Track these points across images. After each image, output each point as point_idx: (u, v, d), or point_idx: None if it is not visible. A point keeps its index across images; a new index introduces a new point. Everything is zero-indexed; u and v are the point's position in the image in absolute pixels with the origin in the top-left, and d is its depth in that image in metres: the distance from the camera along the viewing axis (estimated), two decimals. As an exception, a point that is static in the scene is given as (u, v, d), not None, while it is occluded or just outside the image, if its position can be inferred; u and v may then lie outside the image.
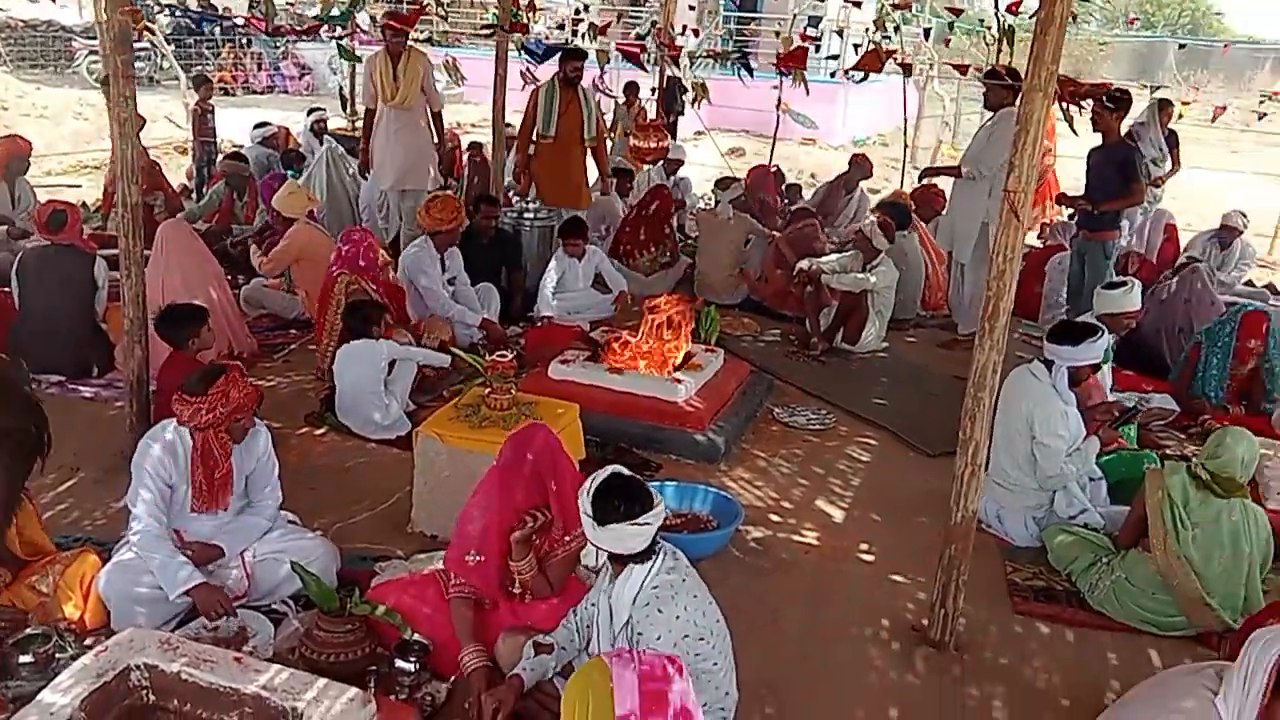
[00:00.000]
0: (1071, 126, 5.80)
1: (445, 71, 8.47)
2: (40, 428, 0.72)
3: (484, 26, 7.58)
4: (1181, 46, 20.19)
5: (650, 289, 7.37)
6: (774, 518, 4.39)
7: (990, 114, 6.60)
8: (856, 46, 9.84)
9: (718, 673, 2.81)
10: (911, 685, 3.34)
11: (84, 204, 8.68)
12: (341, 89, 11.75)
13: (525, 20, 7.70)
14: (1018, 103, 6.12)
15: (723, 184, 7.85)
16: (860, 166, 9.18)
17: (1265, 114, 10.04)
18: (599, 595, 2.86)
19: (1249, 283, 8.53)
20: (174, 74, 13.30)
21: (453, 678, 3.06)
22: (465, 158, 9.17)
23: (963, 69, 8.32)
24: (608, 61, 9.59)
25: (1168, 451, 5.18)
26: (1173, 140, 8.33)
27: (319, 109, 9.92)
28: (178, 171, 10.34)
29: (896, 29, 9.23)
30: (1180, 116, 9.12)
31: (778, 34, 9.89)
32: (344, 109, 11.39)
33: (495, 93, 7.10)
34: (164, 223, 5.71)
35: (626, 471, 2.78)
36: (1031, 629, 3.72)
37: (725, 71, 9.73)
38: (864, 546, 4.21)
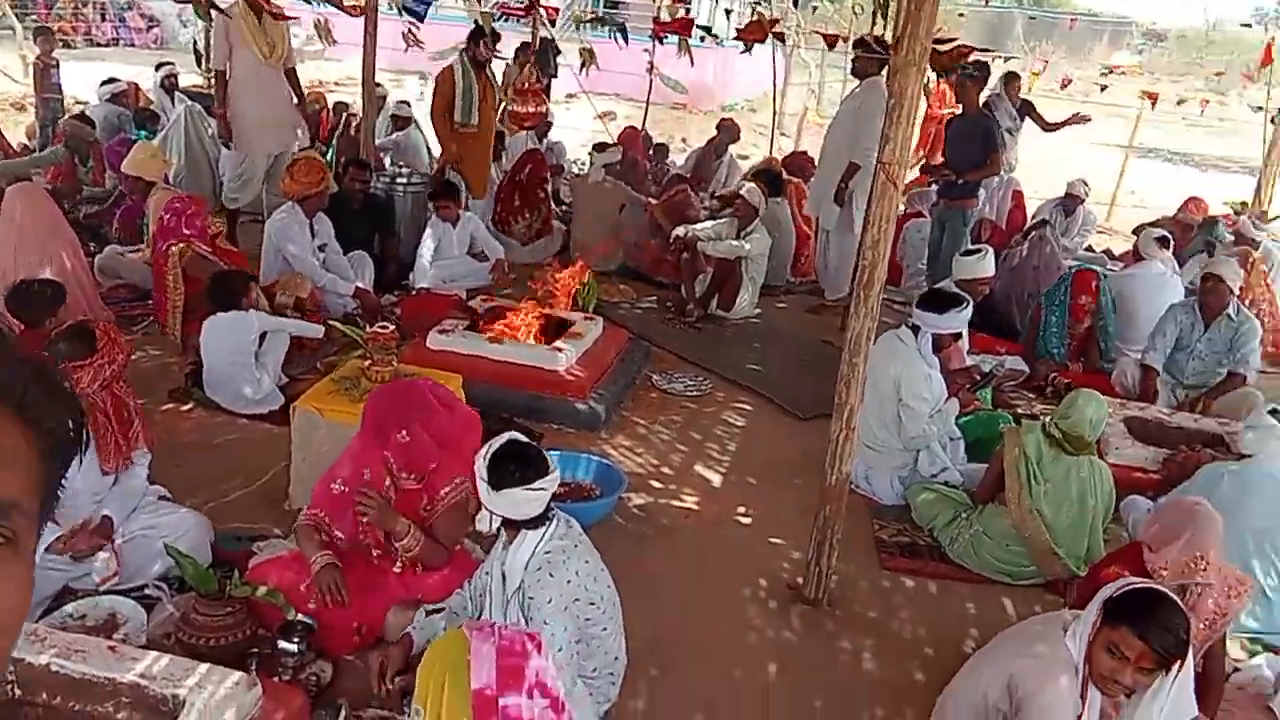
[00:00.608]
0: (928, 98, 6.03)
1: (317, 31, 8.10)
2: (78, 423, 0.70)
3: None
4: (1032, 18, 21.06)
5: (528, 257, 7.34)
6: (655, 484, 4.48)
7: (857, 82, 6.78)
8: (729, 13, 9.91)
9: (607, 637, 2.89)
10: (789, 641, 3.49)
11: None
12: (195, 44, 11.14)
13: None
14: (883, 73, 6.41)
15: (599, 148, 7.84)
16: (728, 131, 9.31)
17: (1106, 86, 10.63)
18: (493, 563, 2.89)
19: (1089, 248, 9.08)
20: (8, 24, 12.34)
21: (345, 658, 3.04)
22: (342, 120, 8.85)
23: (832, 39, 8.52)
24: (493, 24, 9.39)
25: (1019, 411, 5.50)
26: (1027, 109, 8.69)
27: (169, 64, 9.39)
28: (17, 130, 9.64)
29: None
30: (1029, 89, 9.60)
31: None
32: (199, 65, 10.80)
33: (365, 52, 6.86)
34: (12, 187, 5.34)
35: (522, 438, 2.81)
36: (898, 583, 3.93)
37: (598, 34, 9.65)
38: (741, 510, 4.35)
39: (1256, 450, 3.78)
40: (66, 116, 8.33)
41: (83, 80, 10.63)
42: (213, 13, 6.73)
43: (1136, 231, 8.03)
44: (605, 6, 13.63)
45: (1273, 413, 3.82)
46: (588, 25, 9.39)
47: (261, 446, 4.35)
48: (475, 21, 7.42)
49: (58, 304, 4.14)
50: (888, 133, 3.30)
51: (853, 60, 6.86)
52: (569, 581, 2.73)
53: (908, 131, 3.31)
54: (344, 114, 8.86)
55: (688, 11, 11.46)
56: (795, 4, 9.46)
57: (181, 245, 5.04)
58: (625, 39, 9.08)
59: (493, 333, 5.21)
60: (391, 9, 7.92)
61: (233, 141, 6.73)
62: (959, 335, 4.74)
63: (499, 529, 2.86)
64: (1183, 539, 3.04)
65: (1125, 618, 2.40)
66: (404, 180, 7.15)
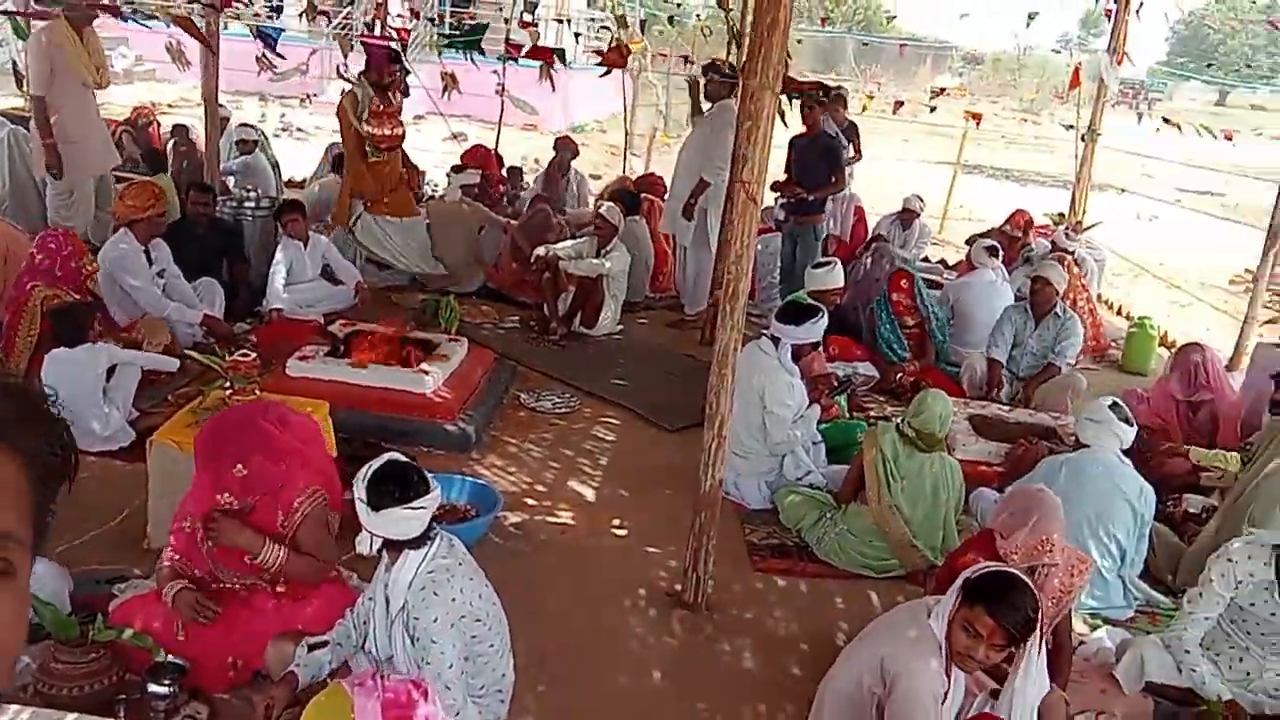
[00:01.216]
0: (784, 120, 6.27)
1: (170, 54, 7.73)
2: (66, 448, 0.67)
3: (192, 1, 7.02)
4: (865, 44, 22.17)
5: (381, 281, 7.22)
6: (530, 501, 4.50)
7: (709, 105, 7.00)
8: (577, 36, 10.05)
9: (494, 654, 2.90)
10: (670, 646, 3.57)
11: None
12: (15, 64, 10.45)
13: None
14: (733, 96, 6.64)
15: (457, 169, 7.81)
16: (566, 147, 9.38)
17: (935, 107, 11.31)
18: (376, 588, 2.86)
19: (926, 259, 9.62)
20: None
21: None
22: (170, 142, 8.48)
23: (686, 60, 8.77)
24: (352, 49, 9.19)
25: (873, 414, 5.80)
26: (853, 131, 9.06)
27: (-17, 85, 8.81)
28: None
29: (621, 23, 9.54)
30: (864, 109, 10.13)
31: (507, 21, 9.86)
32: (19, 86, 10.14)
33: (207, 74, 6.64)
34: None
35: (401, 457, 2.81)
36: (770, 583, 4.08)
37: (452, 56, 9.60)
38: (616, 522, 4.42)
39: (1094, 441, 4.09)
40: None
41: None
42: (33, 34, 6.36)
43: (969, 242, 8.60)
44: (460, 30, 13.48)
45: (1113, 406, 4.13)
46: (445, 48, 9.31)
47: (115, 485, 4.12)
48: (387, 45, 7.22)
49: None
50: (745, 153, 3.45)
51: (705, 84, 7.06)
52: (454, 600, 2.74)
53: (764, 151, 3.47)
54: (178, 136, 8.48)
55: (537, 35, 11.56)
56: (642, 29, 9.65)
57: (48, 291, 4.72)
58: (476, 59, 9.06)
59: (355, 357, 5.12)
60: (228, 27, 7.64)
61: (63, 169, 6.37)
62: (817, 344, 4.97)
63: (380, 551, 2.83)
64: (1029, 524, 3.29)
65: (979, 598, 2.59)
66: (252, 204, 6.94)
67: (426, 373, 5.06)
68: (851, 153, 9.02)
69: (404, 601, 2.75)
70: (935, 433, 4.21)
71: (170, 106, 14.86)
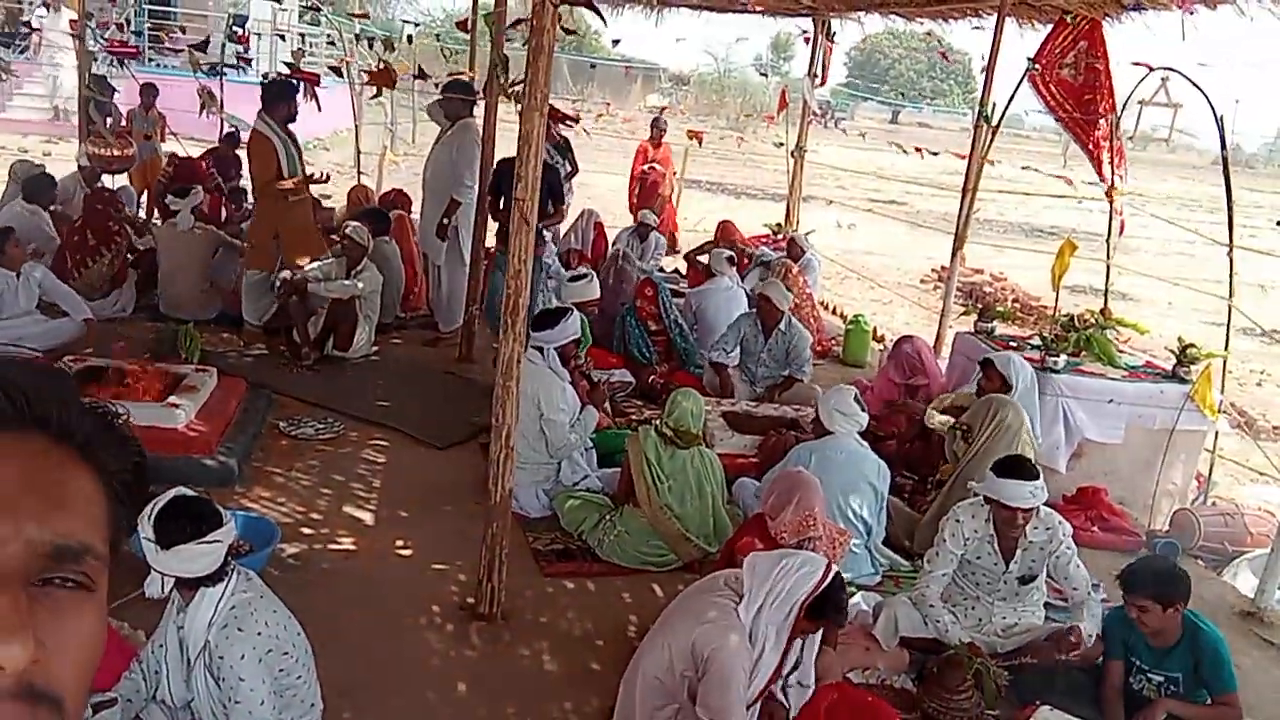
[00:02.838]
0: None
1: None
2: (140, 467, 0.61)
3: None
4: (592, 66, 22.81)
5: (107, 312, 6.66)
6: (306, 530, 4.36)
7: (448, 124, 7.01)
8: (302, 52, 9.73)
9: (303, 686, 2.85)
10: (470, 659, 3.62)
11: None
12: None
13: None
14: (473, 114, 6.72)
15: (180, 192, 7.31)
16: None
17: (657, 121, 11.92)
18: (167, 631, 2.72)
19: (662, 269, 10.13)
20: None
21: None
22: None
23: (421, 76, 8.72)
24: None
25: (633, 417, 6.08)
26: (567, 146, 9.08)
27: None
28: None
29: (359, 39, 9.35)
30: (597, 118, 10.57)
31: (226, 31, 9.35)
32: None
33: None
34: None
35: (189, 492, 2.69)
36: (560, 587, 4.21)
37: (153, 70, 9.00)
38: (400, 542, 4.38)
39: (840, 428, 4.54)
40: None
41: None
42: None
43: (695, 253, 9.18)
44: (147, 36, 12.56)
45: (855, 399, 4.60)
46: (203, 69, 8.70)
47: None
48: (275, 75, 6.54)
49: None
50: (519, 172, 3.57)
51: (441, 104, 7.06)
52: (259, 633, 2.66)
53: (536, 170, 3.61)
54: None
55: (246, 50, 11.07)
56: (370, 45, 9.50)
57: None
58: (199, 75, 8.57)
59: (95, 395, 4.73)
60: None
61: None
62: (579, 343, 5.15)
63: (171, 591, 2.70)
64: (793, 503, 3.65)
65: (825, 616, 2.98)
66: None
67: (176, 406, 4.78)
68: (568, 168, 9.25)
69: (205, 641, 2.64)
70: (690, 428, 4.51)
71: None
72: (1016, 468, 3.74)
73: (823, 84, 9.81)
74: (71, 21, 7.63)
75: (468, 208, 6.75)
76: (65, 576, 0.64)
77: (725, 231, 9.67)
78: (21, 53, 11.19)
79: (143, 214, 8.76)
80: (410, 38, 10.19)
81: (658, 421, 4.65)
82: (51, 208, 7.55)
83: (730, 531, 4.32)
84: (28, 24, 9.05)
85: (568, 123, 6.30)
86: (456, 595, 3.99)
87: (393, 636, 3.67)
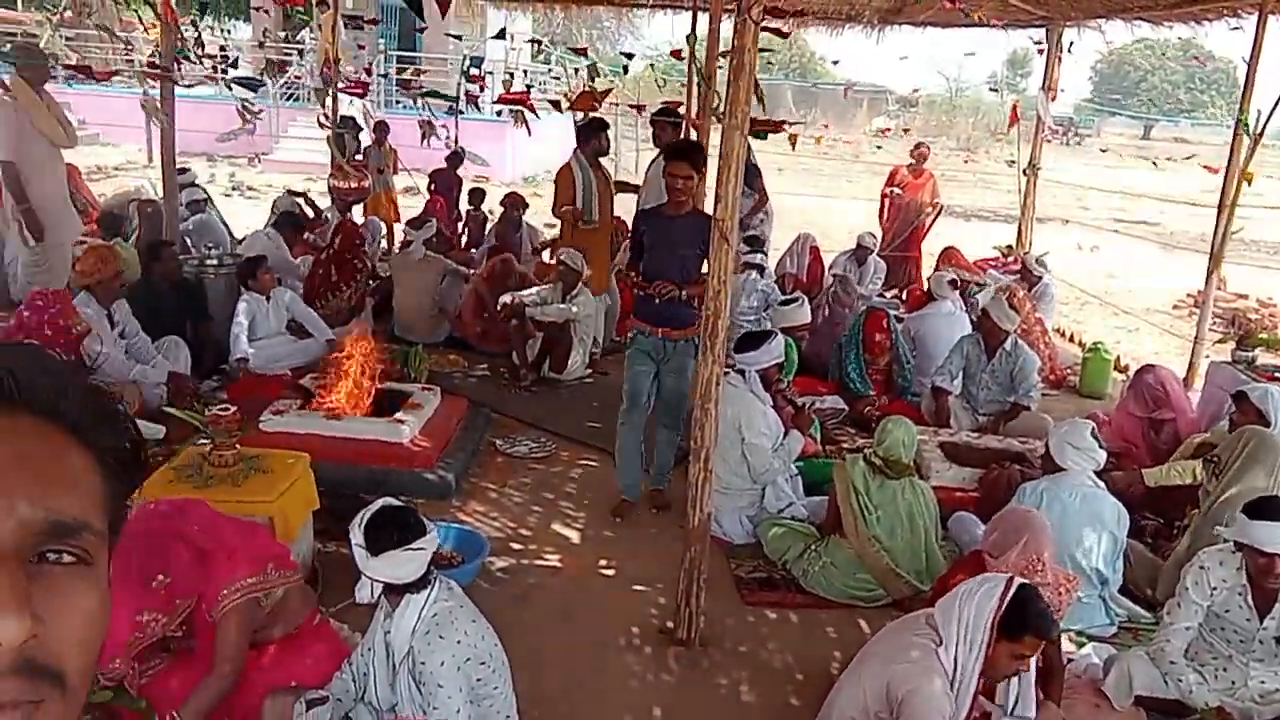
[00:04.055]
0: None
1: (145, 110, 7.64)
2: (137, 445, 0.66)
3: (152, 65, 6.99)
4: (813, 88, 22.70)
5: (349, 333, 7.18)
6: (515, 546, 4.48)
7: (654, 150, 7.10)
8: (530, 88, 10.20)
9: (499, 697, 2.88)
10: (668, 684, 3.57)
11: None
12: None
13: (194, 58, 7.21)
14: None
15: (414, 224, 7.83)
16: (515, 205, 9.40)
17: (880, 146, 11.62)
18: (375, 636, 2.83)
19: (881, 294, 9.81)
20: None
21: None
22: (132, 204, 8.40)
23: (639, 107, 8.94)
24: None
25: (844, 445, 5.88)
26: (755, 173, 8.74)
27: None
28: None
29: (588, 70, 9.72)
30: (817, 142, 10.44)
31: (464, 72, 9.96)
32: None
33: (164, 135, 6.61)
34: None
35: (396, 502, 2.81)
36: (761, 617, 4.10)
37: (398, 111, 9.70)
38: (603, 562, 4.41)
39: (1073, 464, 4.17)
40: None
41: None
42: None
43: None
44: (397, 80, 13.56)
45: (1091, 433, 4.22)
46: (419, 100, 9.38)
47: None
48: (586, 115, 7.18)
49: None
50: (718, 192, 3.53)
51: (653, 133, 7.16)
52: (459, 642, 2.72)
53: (736, 190, 3.55)
54: (140, 200, 8.40)
55: (481, 89, 11.69)
56: (592, 77, 9.82)
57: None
58: (438, 112, 9.17)
59: (330, 410, 5.08)
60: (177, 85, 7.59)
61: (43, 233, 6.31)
62: (782, 367, 5.02)
63: (380, 597, 2.81)
64: (1020, 544, 3.37)
65: (1021, 629, 2.69)
66: (214, 262, 6.89)
67: (402, 422, 5.05)
68: (755, 197, 9.00)
69: (409, 647, 2.73)
70: (901, 458, 4.28)
71: (116, 169, 14.72)
72: (1273, 508, 3.29)
73: (1053, 98, 9.21)
74: (325, 64, 8.35)
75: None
76: (61, 550, 0.64)
77: (949, 256, 9.25)
78: (289, 98, 12.42)
79: (384, 244, 9.41)
80: (626, 68, 10.44)
81: (868, 450, 4.46)
82: (306, 236, 8.29)
83: (943, 569, 4.06)
84: (283, 66, 9.95)
85: (771, 129, 6.17)
86: (656, 618, 3.97)
87: (591, 655, 3.68)
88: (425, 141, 9.37)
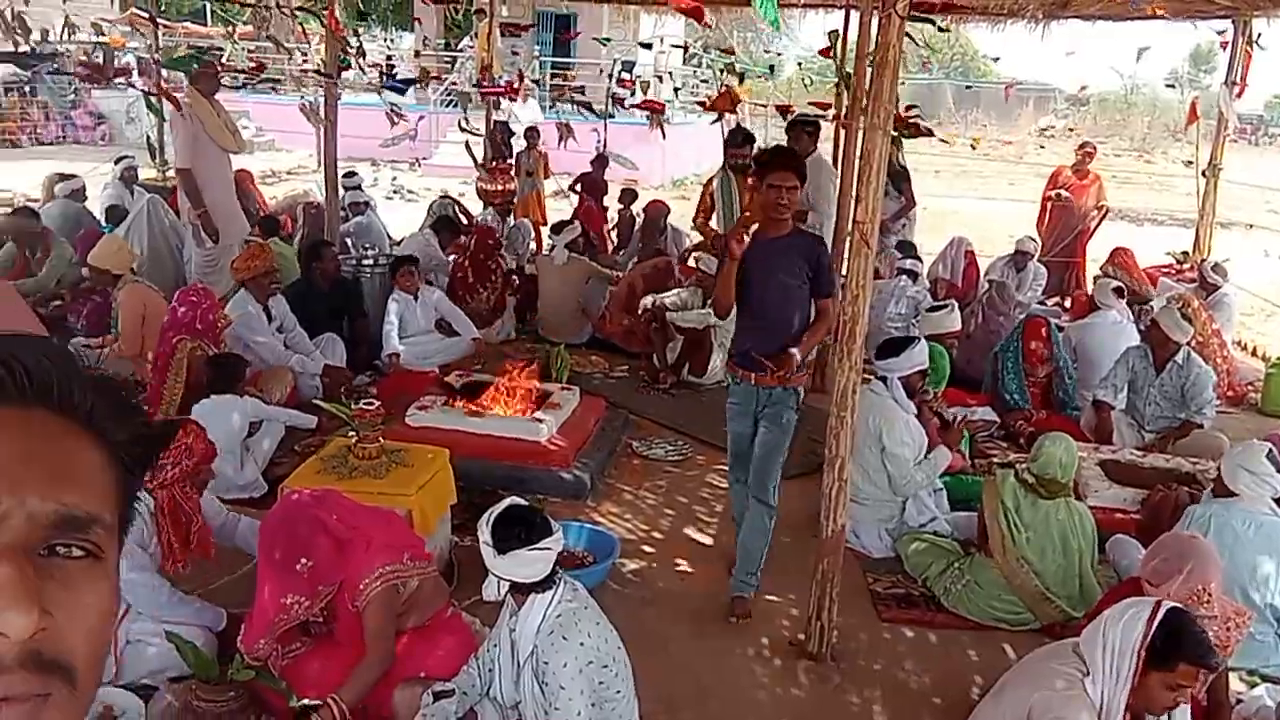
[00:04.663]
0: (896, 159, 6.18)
1: (304, 114, 8.09)
2: (146, 437, 0.69)
3: (315, 71, 7.37)
4: (968, 87, 21.93)
5: (491, 338, 7.33)
6: (647, 549, 4.47)
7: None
8: (677, 91, 10.22)
9: (621, 700, 2.86)
10: (797, 698, 3.47)
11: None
12: (149, 138, 11.17)
13: (356, 66, 7.56)
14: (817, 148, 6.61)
15: (557, 228, 7.96)
16: (658, 211, 9.37)
17: (1044, 146, 11.06)
18: (501, 633, 2.86)
19: (1041, 302, 9.33)
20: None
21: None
22: (299, 206, 8.88)
23: (785, 109, 8.82)
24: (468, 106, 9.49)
25: (995, 460, 5.60)
26: (904, 177, 8.58)
27: (128, 156, 9.40)
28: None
29: (724, 71, 9.68)
30: (973, 147, 10.04)
31: (610, 78, 10.09)
32: (153, 159, 10.82)
33: (326, 138, 6.94)
34: (-21, 284, 5.26)
35: (522, 501, 2.83)
36: (898, 634, 3.94)
37: (570, 115, 9.88)
38: (735, 570, 4.33)
39: (1247, 491, 3.84)
40: (3, 212, 8.32)
41: (28, 178, 10.59)
42: (176, 108, 6.76)
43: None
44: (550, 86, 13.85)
45: (1269, 456, 3.89)
46: (559, 103, 9.59)
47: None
48: (736, 123, 7.37)
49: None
50: (859, 192, 3.41)
51: (792, 141, 6.97)
52: (582, 644, 2.72)
53: (878, 190, 3.42)
54: (304, 202, 8.87)
55: (632, 94, 11.79)
56: (740, 80, 9.74)
57: (193, 344, 4.98)
58: (581, 115, 9.30)
59: (471, 407, 5.20)
60: (341, 97, 7.96)
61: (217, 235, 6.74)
62: (925, 375, 4.82)
63: (506, 595, 2.84)
64: (1184, 572, 3.10)
65: (1177, 657, 2.48)
66: (370, 262, 7.18)
67: (541, 421, 5.11)
68: (901, 200, 8.60)
69: (533, 647, 2.74)
70: (1057, 477, 4.03)
71: (289, 173, 15.59)
72: None
73: (1240, 95, 8.53)
74: (482, 70, 8.60)
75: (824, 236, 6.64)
76: (71, 543, 0.63)
77: (1118, 260, 8.69)
78: (448, 104, 12.87)
79: (533, 245, 9.60)
80: (772, 68, 10.30)
81: (1020, 466, 4.23)
82: (461, 239, 8.55)
83: (1099, 595, 3.80)
84: (438, 74, 10.28)
85: (917, 133, 5.93)
86: (787, 630, 3.87)
87: (719, 664, 3.62)
88: (562, 143, 9.52)
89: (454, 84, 12.19)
